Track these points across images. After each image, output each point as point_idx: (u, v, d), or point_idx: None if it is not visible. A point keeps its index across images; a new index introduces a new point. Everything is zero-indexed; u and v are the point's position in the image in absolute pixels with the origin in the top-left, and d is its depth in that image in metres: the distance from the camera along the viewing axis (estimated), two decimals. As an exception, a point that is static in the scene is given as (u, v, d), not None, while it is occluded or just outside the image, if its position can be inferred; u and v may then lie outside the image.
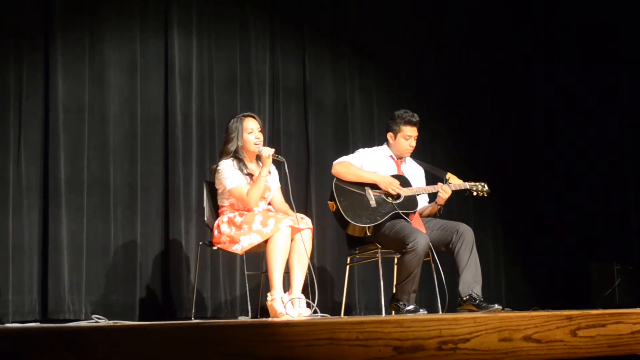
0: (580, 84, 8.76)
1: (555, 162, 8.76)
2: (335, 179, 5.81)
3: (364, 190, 5.76)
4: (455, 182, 5.91)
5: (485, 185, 5.97)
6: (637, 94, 8.41)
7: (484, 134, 8.52)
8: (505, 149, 8.59)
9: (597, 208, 8.70)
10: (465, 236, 5.63)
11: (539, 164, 8.74)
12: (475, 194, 5.96)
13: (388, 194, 5.74)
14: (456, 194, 6.00)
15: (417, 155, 6.18)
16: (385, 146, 6.04)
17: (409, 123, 5.92)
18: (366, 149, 6.07)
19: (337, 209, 5.68)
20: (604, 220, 8.64)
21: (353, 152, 6.08)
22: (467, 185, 5.93)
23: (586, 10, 8.71)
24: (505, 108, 8.63)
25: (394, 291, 5.77)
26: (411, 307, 5.58)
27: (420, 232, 5.52)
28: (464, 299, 5.50)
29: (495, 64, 8.60)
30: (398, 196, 5.74)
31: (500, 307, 5.49)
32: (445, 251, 5.75)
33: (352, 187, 5.77)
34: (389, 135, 5.99)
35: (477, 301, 5.46)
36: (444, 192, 5.78)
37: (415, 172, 6.08)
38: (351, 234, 5.78)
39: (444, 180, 5.91)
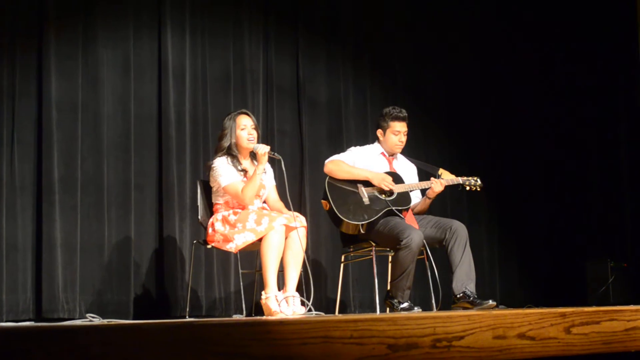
0: (576, 82, 8.77)
1: (550, 160, 8.77)
2: (327, 177, 5.81)
3: (357, 188, 5.77)
4: (448, 177, 5.92)
5: (478, 180, 5.99)
6: (633, 93, 8.42)
7: (478, 131, 8.53)
8: (500, 146, 8.60)
9: (592, 206, 8.72)
10: (458, 233, 5.63)
11: (534, 161, 8.75)
12: (468, 188, 5.97)
13: (381, 191, 5.75)
14: (450, 190, 6.01)
15: (410, 152, 6.19)
16: (376, 144, 6.05)
17: (397, 119, 5.93)
18: (358, 147, 6.08)
19: (330, 207, 5.68)
20: (598, 218, 8.65)
21: (347, 150, 6.08)
22: (460, 179, 5.95)
23: (583, 8, 8.74)
24: (500, 105, 8.64)
25: (388, 288, 5.77)
26: (405, 304, 5.58)
27: (414, 228, 5.52)
28: (458, 296, 5.51)
29: (490, 60, 8.61)
30: (391, 193, 5.74)
31: (495, 302, 5.49)
32: (439, 248, 5.76)
33: (344, 185, 5.78)
34: (379, 132, 6.00)
35: (471, 298, 5.46)
36: (437, 185, 5.78)
37: (407, 169, 6.09)
38: (345, 232, 5.79)
39: (437, 176, 5.92)
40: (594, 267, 7.88)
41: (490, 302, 5.44)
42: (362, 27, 8.06)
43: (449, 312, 4.79)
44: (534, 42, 8.84)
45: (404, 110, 5.98)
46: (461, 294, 5.50)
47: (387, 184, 5.71)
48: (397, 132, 5.93)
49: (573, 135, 8.78)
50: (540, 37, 8.85)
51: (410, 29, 8.34)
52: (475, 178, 6.00)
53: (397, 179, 5.85)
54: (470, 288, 5.51)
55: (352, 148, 6.07)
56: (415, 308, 5.61)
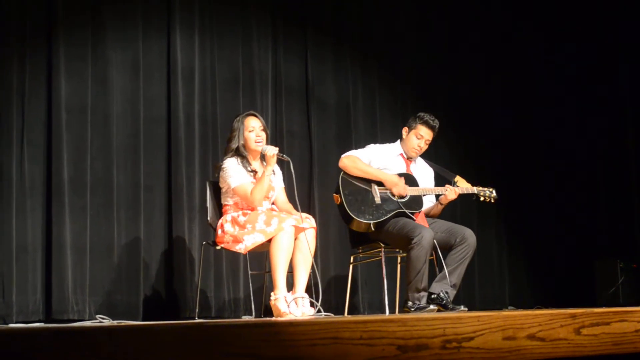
0: (582, 82, 8.76)
1: (559, 161, 8.76)
2: (342, 172, 5.81)
3: (370, 186, 5.77)
4: (463, 186, 5.91)
5: (494, 191, 5.96)
6: (638, 90, 8.41)
7: (487, 133, 8.51)
8: (509, 147, 8.58)
9: (601, 206, 8.70)
10: (468, 242, 5.62)
11: (542, 162, 8.73)
12: (482, 199, 5.96)
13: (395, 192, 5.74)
14: (462, 196, 5.99)
15: (425, 154, 6.17)
16: (397, 143, 6.04)
17: (426, 124, 5.93)
18: (377, 145, 6.07)
19: (342, 202, 5.68)
20: (608, 219, 8.63)
21: (365, 147, 6.07)
22: (475, 189, 5.93)
23: (587, 8, 8.72)
24: (509, 107, 8.62)
25: (407, 293, 5.61)
26: (423, 304, 5.52)
27: (424, 226, 5.52)
28: (432, 297, 5.49)
29: (499, 64, 8.59)
30: (404, 195, 5.73)
31: (466, 308, 5.47)
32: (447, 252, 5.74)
33: (358, 181, 5.78)
34: (404, 129, 6.01)
35: (444, 301, 5.44)
36: (451, 192, 5.78)
37: (424, 173, 6.08)
38: (355, 230, 5.78)
39: (452, 183, 5.91)
40: (603, 268, 7.86)
41: (462, 307, 5.44)
42: (370, 28, 8.06)
43: (459, 313, 4.79)
44: (544, 44, 8.83)
45: (437, 121, 5.98)
46: (436, 296, 5.48)
47: (399, 190, 5.70)
48: (420, 135, 5.92)
49: (581, 135, 8.76)
50: (551, 39, 8.84)
51: (420, 30, 8.33)
52: (490, 189, 5.98)
53: (411, 181, 5.84)
54: (450, 293, 5.49)
55: (371, 145, 6.05)
56: (431, 305, 5.53)
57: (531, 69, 8.78)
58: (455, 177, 5.97)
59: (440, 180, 6.11)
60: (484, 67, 8.54)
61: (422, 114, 5.99)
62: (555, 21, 8.86)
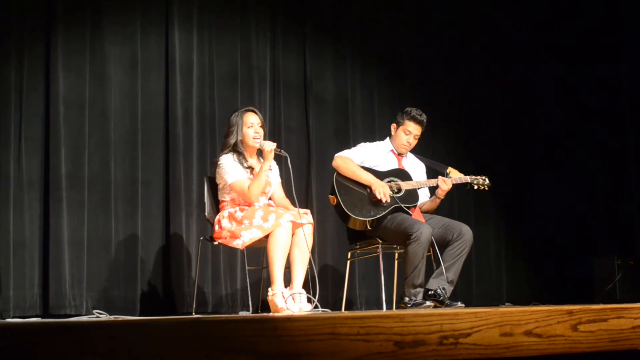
0: (582, 81, 8.76)
1: (556, 157, 8.75)
2: (335, 173, 5.81)
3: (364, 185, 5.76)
4: (456, 176, 5.90)
5: (487, 179, 5.97)
6: (638, 90, 8.41)
7: (485, 129, 8.50)
8: (507, 143, 8.57)
9: (598, 202, 8.70)
10: (465, 238, 5.60)
11: (540, 158, 8.73)
12: (476, 187, 5.96)
13: (390, 188, 5.74)
14: (457, 188, 5.99)
15: (418, 149, 6.18)
16: (387, 140, 6.04)
17: (413, 119, 5.91)
18: (368, 143, 6.07)
19: (338, 202, 5.68)
20: (605, 215, 8.63)
21: (357, 145, 6.07)
22: (468, 178, 5.93)
23: (588, 7, 8.72)
24: (507, 103, 8.62)
25: (404, 289, 5.58)
26: (419, 300, 5.51)
27: (422, 222, 5.51)
28: (429, 293, 5.48)
29: (498, 59, 8.58)
30: (399, 190, 5.73)
31: (463, 304, 5.46)
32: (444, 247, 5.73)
33: (351, 181, 5.77)
34: (393, 126, 6.00)
35: (441, 298, 5.43)
36: (444, 183, 5.77)
37: (416, 167, 6.08)
38: (352, 228, 5.78)
39: (445, 174, 5.91)
40: (600, 265, 7.85)
41: (459, 303, 5.43)
42: (369, 23, 8.04)
43: (456, 309, 4.79)
44: (545, 42, 8.82)
45: (424, 116, 5.95)
46: (432, 292, 5.47)
47: (384, 197, 5.66)
48: (408, 132, 5.92)
49: (580, 132, 8.76)
50: (551, 37, 8.83)
51: (418, 26, 8.32)
52: (483, 177, 5.98)
53: (405, 176, 5.84)
54: (447, 289, 5.48)
55: (362, 144, 6.05)
56: (428, 301, 5.53)
57: (531, 66, 8.76)
58: (447, 168, 5.97)
59: (433, 174, 6.11)
60: (484, 64, 8.52)
61: (409, 109, 5.97)
62: (556, 20, 8.84)
